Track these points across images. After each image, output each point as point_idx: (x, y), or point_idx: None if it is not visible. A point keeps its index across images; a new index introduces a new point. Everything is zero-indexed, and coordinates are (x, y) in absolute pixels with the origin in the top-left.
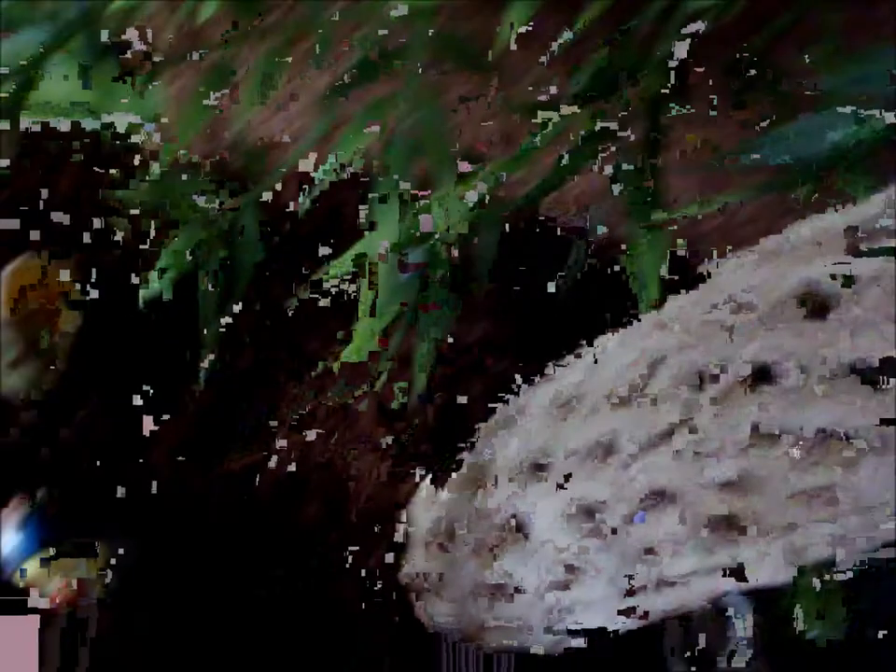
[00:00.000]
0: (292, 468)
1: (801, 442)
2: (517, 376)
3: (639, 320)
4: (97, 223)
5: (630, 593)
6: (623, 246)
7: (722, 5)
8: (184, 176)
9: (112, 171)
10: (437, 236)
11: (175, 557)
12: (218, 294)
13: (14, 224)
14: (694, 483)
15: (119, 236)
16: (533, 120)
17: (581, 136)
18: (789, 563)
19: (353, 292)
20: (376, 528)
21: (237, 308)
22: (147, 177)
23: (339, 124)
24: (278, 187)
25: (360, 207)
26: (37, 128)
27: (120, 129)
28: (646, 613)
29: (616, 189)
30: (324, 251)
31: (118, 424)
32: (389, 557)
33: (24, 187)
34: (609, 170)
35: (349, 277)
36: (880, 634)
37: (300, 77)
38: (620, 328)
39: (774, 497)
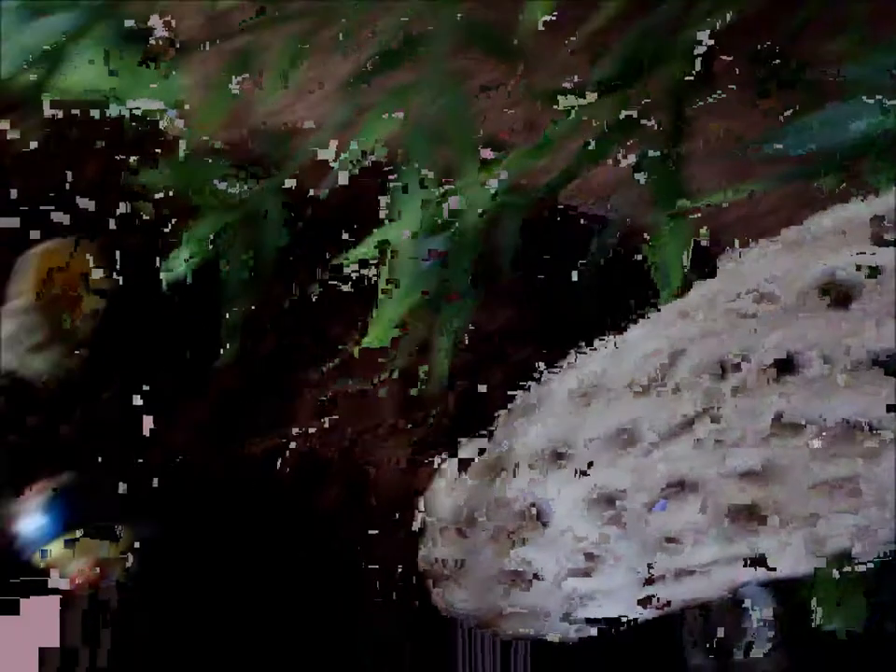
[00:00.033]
0: (313, 452)
1: (823, 433)
2: (538, 364)
3: (661, 309)
4: (121, 208)
5: (649, 581)
6: (646, 235)
7: None
8: (207, 161)
9: (136, 156)
10: (458, 224)
11: (197, 540)
12: (241, 279)
13: (39, 209)
14: (716, 473)
15: (142, 221)
16: (556, 108)
17: (604, 125)
18: (810, 553)
19: (375, 278)
20: (395, 514)
21: (260, 293)
22: (171, 163)
23: (362, 111)
24: (300, 172)
25: (382, 194)
26: (61, 113)
27: (144, 114)
28: (665, 603)
29: (639, 177)
30: (346, 237)
31: (140, 407)
32: (408, 543)
33: (49, 171)
34: (632, 159)
35: (374, 263)
36: None
37: (323, 64)
38: (642, 316)
39: (795, 487)
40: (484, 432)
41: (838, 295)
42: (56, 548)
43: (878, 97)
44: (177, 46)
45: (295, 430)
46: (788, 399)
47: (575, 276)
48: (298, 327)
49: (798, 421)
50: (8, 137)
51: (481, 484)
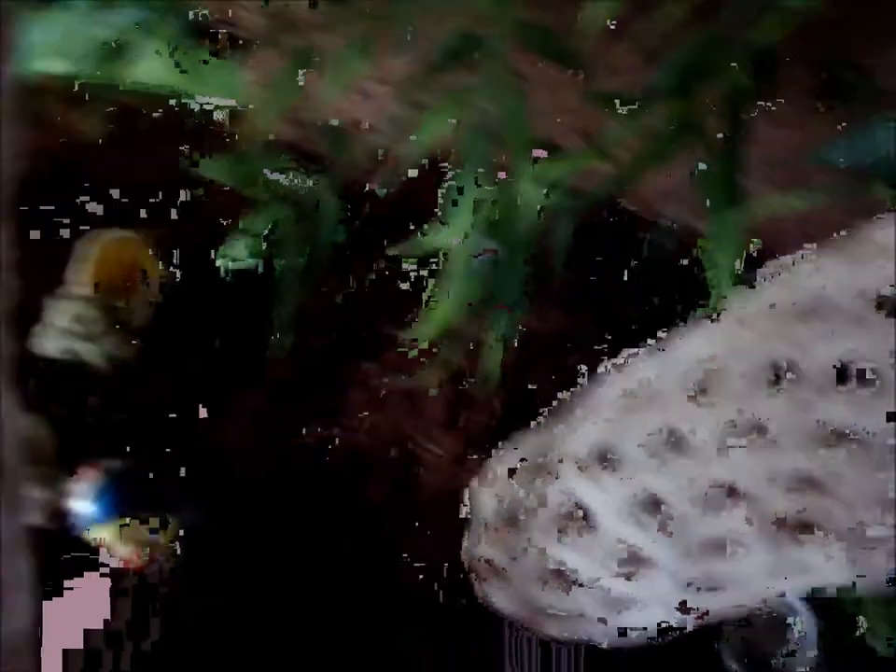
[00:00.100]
0: (362, 445)
1: (873, 444)
2: (588, 366)
3: (714, 314)
4: (181, 200)
5: (691, 589)
6: (699, 241)
7: (812, 1)
8: (265, 155)
9: (197, 149)
10: (512, 224)
11: (244, 527)
12: (295, 272)
13: (101, 199)
14: (763, 481)
15: (200, 213)
16: (614, 113)
17: (662, 130)
18: (855, 567)
19: (428, 277)
20: (441, 510)
21: (313, 286)
22: (229, 156)
23: (421, 111)
24: (359, 169)
25: (438, 193)
26: (127, 106)
27: (207, 108)
28: (705, 612)
29: (695, 183)
30: (402, 234)
31: (193, 397)
32: (453, 538)
33: (113, 163)
34: (689, 164)
35: (434, 261)
36: None
37: (384, 64)
38: (694, 321)
39: (843, 498)
40: (531, 432)
41: (892, 307)
42: (106, 531)
43: None
44: (241, 42)
45: (346, 423)
46: (839, 410)
47: (627, 279)
48: (352, 321)
49: (848, 431)
50: (75, 128)
51: (525, 484)
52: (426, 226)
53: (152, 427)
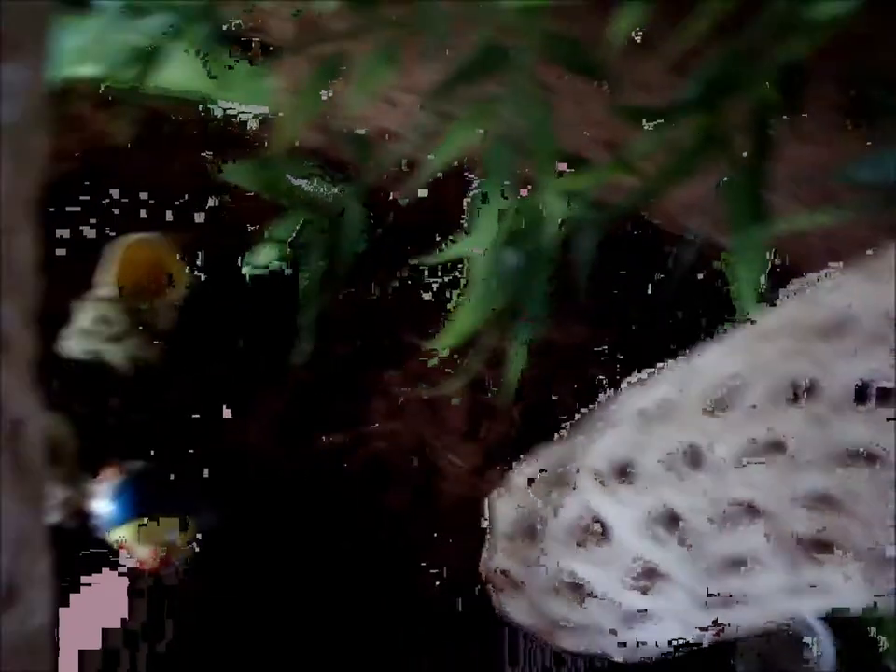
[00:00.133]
0: (382, 453)
1: (891, 464)
2: (610, 379)
3: (738, 330)
4: (206, 205)
5: (707, 605)
6: (723, 255)
7: (840, 16)
8: (290, 162)
9: (223, 155)
10: (535, 236)
11: (262, 530)
12: (318, 278)
13: (129, 202)
14: (783, 499)
15: (226, 217)
16: (639, 126)
17: (687, 144)
18: (873, 587)
19: (451, 287)
20: (461, 520)
21: (336, 293)
22: (254, 161)
23: (446, 120)
24: (384, 178)
25: (463, 202)
26: (156, 110)
27: (234, 115)
28: (722, 628)
29: (720, 198)
30: (427, 244)
31: (215, 399)
32: (471, 549)
33: (138, 167)
34: (714, 179)
35: (457, 270)
36: None
37: (411, 72)
38: (717, 336)
39: (861, 517)
40: (551, 444)
41: None
42: (126, 531)
43: None
44: (270, 48)
45: (366, 430)
46: (859, 429)
47: (651, 293)
48: (374, 329)
49: (866, 451)
50: (104, 132)
51: (543, 496)
52: (450, 237)
53: (174, 429)
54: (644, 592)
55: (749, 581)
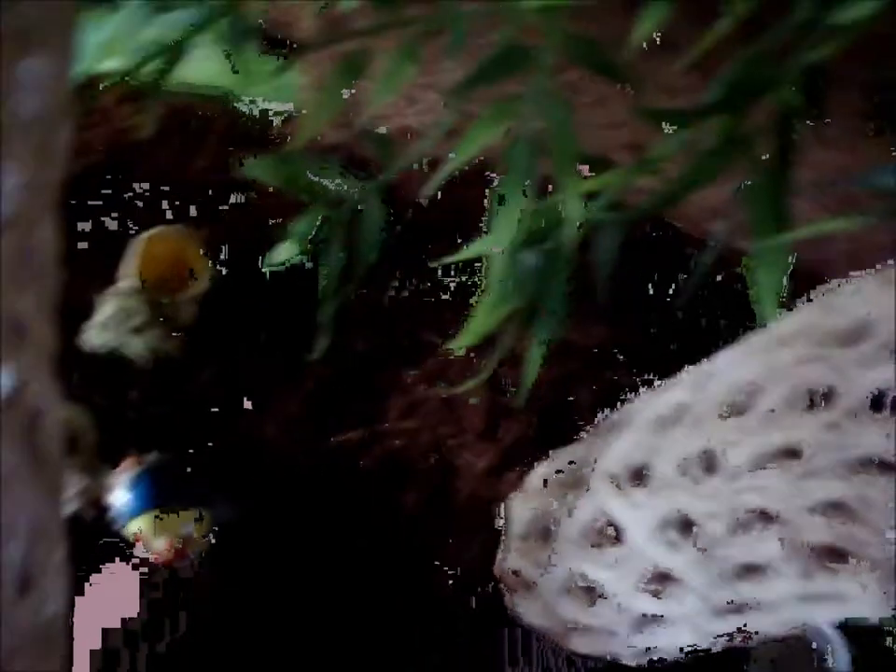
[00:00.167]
0: (398, 452)
1: None
2: (629, 381)
3: (756, 335)
4: (229, 200)
5: (720, 612)
6: (744, 259)
7: (865, 19)
8: (311, 158)
9: (246, 151)
10: (555, 237)
11: (276, 527)
12: (336, 275)
13: (153, 196)
14: (798, 506)
15: (248, 212)
16: (661, 129)
17: (709, 148)
18: (890, 599)
19: (471, 286)
20: (477, 520)
21: (355, 291)
22: (276, 157)
23: (467, 119)
24: (404, 176)
25: (483, 201)
26: (180, 105)
27: (257, 111)
28: (734, 635)
29: (742, 202)
30: (447, 243)
31: (233, 393)
32: (488, 550)
33: (162, 161)
34: (735, 183)
35: (471, 270)
36: None
37: (433, 70)
38: (736, 341)
39: (875, 526)
40: (569, 447)
41: None
42: (142, 522)
43: None
44: (294, 46)
45: (383, 428)
46: (876, 438)
47: (672, 296)
48: (393, 327)
49: (882, 459)
50: (127, 126)
51: (558, 497)
52: (470, 236)
53: (192, 422)
54: (656, 596)
55: (762, 587)
